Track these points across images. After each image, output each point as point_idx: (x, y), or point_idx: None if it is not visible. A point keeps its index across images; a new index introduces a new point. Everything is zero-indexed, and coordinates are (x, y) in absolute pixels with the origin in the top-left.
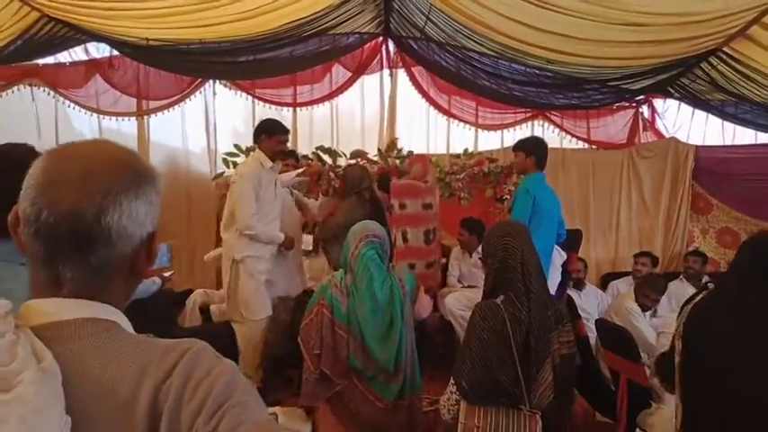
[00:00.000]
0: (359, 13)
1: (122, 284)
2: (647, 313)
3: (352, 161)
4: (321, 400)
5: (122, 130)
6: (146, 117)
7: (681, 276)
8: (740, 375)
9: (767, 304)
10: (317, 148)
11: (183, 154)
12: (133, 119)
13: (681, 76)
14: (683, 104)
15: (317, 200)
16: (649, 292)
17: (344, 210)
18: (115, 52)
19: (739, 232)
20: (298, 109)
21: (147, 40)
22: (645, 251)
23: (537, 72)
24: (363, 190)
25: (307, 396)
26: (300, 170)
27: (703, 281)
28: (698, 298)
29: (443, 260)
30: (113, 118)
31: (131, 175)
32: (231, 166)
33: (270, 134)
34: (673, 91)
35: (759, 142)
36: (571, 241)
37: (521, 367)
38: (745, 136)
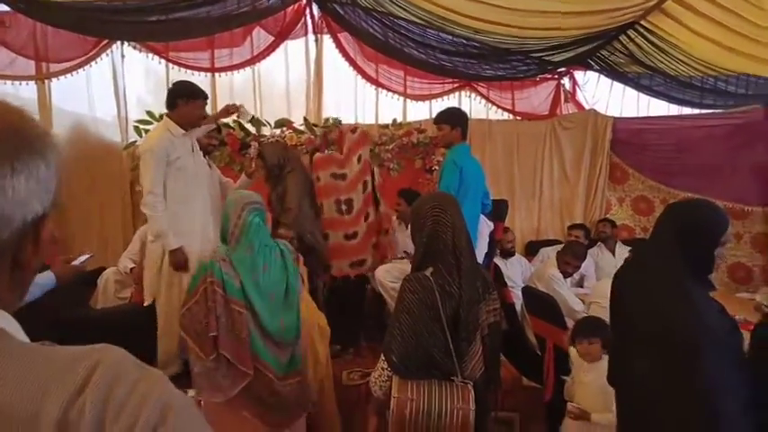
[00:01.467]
0: None
1: (5, 280)
2: (569, 280)
3: (277, 131)
4: (229, 394)
5: (21, 95)
6: (46, 81)
7: (598, 243)
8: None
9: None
10: (238, 116)
11: (90, 121)
12: (32, 83)
13: (600, 49)
14: (602, 77)
15: (238, 176)
16: (570, 258)
17: (294, 193)
18: (4, 8)
19: (653, 200)
20: (216, 74)
21: None
22: (578, 223)
23: (464, 42)
24: (289, 172)
25: (207, 389)
26: (212, 116)
27: (617, 246)
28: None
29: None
30: (9, 82)
31: (4, 142)
32: (143, 134)
33: (189, 99)
34: (593, 63)
35: (672, 114)
36: (497, 211)
37: (451, 340)
38: (659, 108)
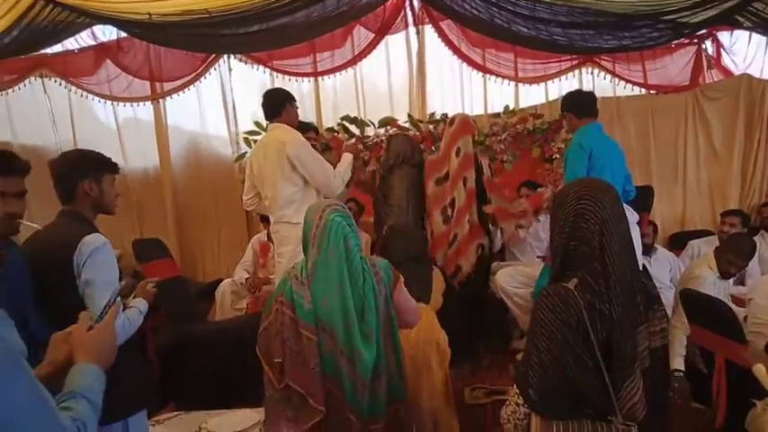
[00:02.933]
0: None
1: None
2: (732, 280)
3: (381, 130)
4: (298, 430)
5: (138, 116)
6: (161, 100)
7: (761, 232)
8: None
9: None
10: (342, 119)
11: (203, 137)
12: (148, 103)
13: (753, 1)
14: (754, 35)
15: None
16: (734, 257)
17: (403, 181)
18: (122, 34)
19: None
20: (319, 78)
21: (150, 15)
22: (733, 209)
23: (580, 11)
24: (398, 168)
25: (273, 418)
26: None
27: None
28: None
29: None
30: (128, 104)
31: None
32: (252, 145)
33: (292, 102)
34: (742, 20)
35: None
36: (641, 200)
37: (606, 370)
38: None
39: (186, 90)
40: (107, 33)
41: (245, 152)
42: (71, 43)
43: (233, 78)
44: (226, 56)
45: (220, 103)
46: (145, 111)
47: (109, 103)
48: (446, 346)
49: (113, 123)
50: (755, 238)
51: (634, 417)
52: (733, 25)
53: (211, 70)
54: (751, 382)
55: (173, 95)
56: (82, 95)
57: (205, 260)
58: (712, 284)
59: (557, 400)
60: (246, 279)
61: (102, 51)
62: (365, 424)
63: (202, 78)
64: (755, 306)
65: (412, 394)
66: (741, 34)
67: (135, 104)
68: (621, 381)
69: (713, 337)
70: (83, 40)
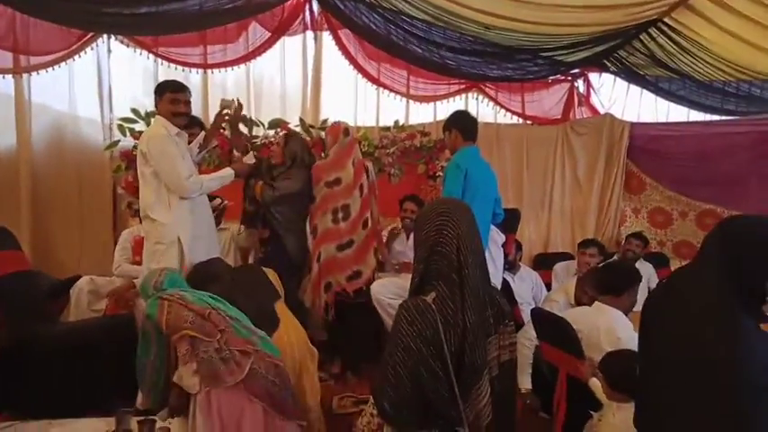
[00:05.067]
0: None
1: None
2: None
3: (270, 132)
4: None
5: None
6: (25, 75)
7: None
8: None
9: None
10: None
11: (70, 119)
12: (9, 76)
13: (618, 48)
14: (618, 79)
15: None
16: (588, 288)
17: (299, 178)
18: None
19: (671, 212)
20: (209, 72)
21: None
22: (590, 239)
23: (471, 39)
24: (297, 168)
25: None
26: (203, 135)
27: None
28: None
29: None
30: None
31: None
32: (128, 133)
33: (160, 93)
34: (609, 64)
35: (691, 120)
36: (509, 221)
37: (456, 381)
38: (678, 114)
39: (57, 67)
40: None
41: (119, 140)
42: None
43: (111, 60)
44: (106, 36)
45: (95, 86)
46: (4, 84)
47: None
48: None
49: None
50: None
51: (480, 424)
52: (601, 68)
53: (87, 49)
54: (589, 394)
55: (39, 71)
56: None
57: (63, 255)
58: (563, 308)
59: (409, 411)
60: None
61: None
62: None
63: (76, 56)
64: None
65: (299, 395)
66: (608, 77)
67: None
68: (470, 387)
69: (557, 353)
70: None
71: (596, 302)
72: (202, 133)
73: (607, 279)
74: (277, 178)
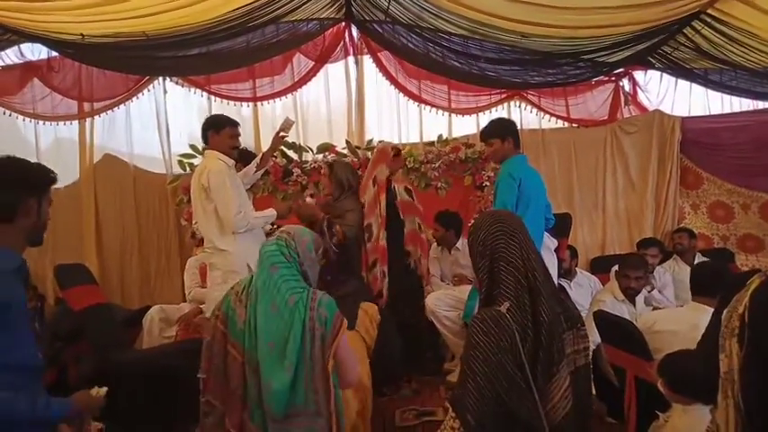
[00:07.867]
0: None
1: None
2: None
3: (319, 156)
4: None
5: (60, 135)
6: (88, 119)
7: (674, 256)
8: None
9: None
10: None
11: (131, 158)
12: (75, 122)
13: (662, 45)
14: (665, 75)
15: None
16: (628, 271)
17: (356, 210)
18: (53, 53)
19: (732, 205)
20: (258, 104)
21: (83, 35)
22: (650, 239)
23: (508, 49)
24: (352, 193)
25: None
26: (259, 161)
27: (695, 259)
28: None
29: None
30: (52, 123)
31: None
32: (188, 168)
33: (217, 129)
34: (654, 61)
35: (744, 110)
36: (560, 226)
37: (533, 383)
38: (730, 104)
39: (116, 109)
40: (35, 52)
41: (180, 175)
42: None
43: (168, 100)
44: (161, 77)
45: (154, 125)
46: (69, 130)
47: (31, 121)
48: (368, 382)
49: (33, 142)
50: (669, 263)
51: (555, 418)
52: (646, 66)
53: (144, 91)
54: (658, 395)
55: (101, 114)
56: (4, 113)
57: (133, 287)
58: (611, 308)
59: (491, 423)
60: None
61: (28, 70)
62: None
63: (134, 98)
64: (657, 336)
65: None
66: (654, 74)
67: (60, 123)
68: (547, 381)
69: (623, 355)
70: (8, 57)
71: (692, 302)
72: (260, 154)
73: (702, 281)
74: (341, 214)
